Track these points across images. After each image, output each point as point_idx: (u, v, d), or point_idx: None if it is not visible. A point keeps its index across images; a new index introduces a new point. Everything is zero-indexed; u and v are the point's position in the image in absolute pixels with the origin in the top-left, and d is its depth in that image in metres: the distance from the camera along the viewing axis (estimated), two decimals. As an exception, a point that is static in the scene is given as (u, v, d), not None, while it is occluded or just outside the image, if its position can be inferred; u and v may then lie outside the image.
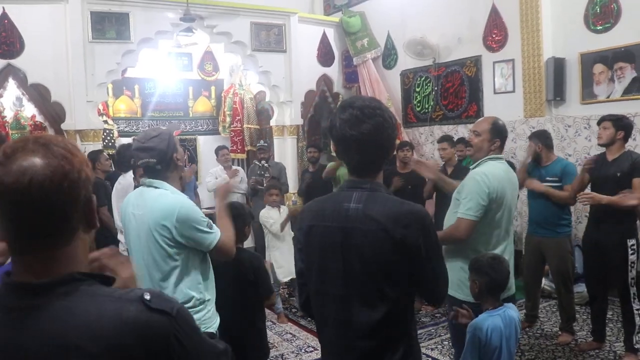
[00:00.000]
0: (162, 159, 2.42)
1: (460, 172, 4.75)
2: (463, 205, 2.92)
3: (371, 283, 1.71)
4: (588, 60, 5.58)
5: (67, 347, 0.95)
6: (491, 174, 2.92)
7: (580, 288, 5.03)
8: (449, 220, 3.07)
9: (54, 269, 1.00)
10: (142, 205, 2.45)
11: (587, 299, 4.72)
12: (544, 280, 5.10)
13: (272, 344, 4.69)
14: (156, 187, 2.44)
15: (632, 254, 4.00)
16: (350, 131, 1.71)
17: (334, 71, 8.36)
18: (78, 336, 0.95)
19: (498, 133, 3.02)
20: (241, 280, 2.78)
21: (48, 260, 1.00)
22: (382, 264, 1.69)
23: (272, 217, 5.40)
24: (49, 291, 0.98)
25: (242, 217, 3.14)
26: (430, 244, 1.71)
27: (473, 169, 3.06)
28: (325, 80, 8.25)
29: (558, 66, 5.72)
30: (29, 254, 1.00)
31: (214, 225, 2.45)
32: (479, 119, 3.27)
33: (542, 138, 4.62)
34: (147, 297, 1.00)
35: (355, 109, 1.72)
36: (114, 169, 5.81)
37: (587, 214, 4.48)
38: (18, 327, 0.97)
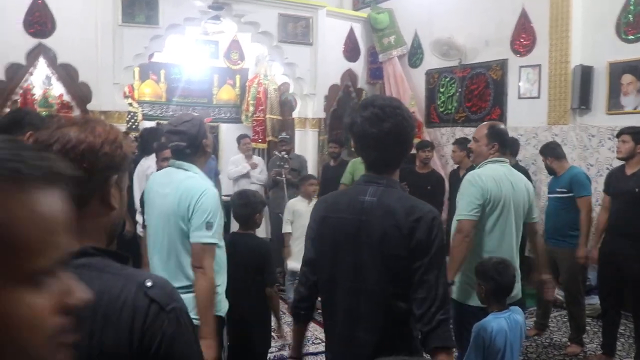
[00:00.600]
0: (192, 143, 2.48)
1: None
2: (459, 208, 2.96)
3: (380, 277, 1.74)
4: (617, 70, 5.49)
5: None
6: (485, 174, 2.97)
7: (593, 300, 4.98)
8: (454, 226, 3.10)
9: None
10: (168, 184, 2.50)
11: (599, 311, 4.67)
12: (556, 290, 5.06)
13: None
14: (186, 170, 2.49)
15: (647, 269, 3.95)
16: (371, 129, 1.76)
17: (359, 67, 8.35)
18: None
19: (495, 136, 3.06)
20: (250, 267, 2.82)
21: None
22: (391, 259, 1.72)
23: (297, 209, 5.33)
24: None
25: (253, 205, 3.17)
26: (436, 243, 1.71)
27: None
28: (350, 75, 8.24)
29: (585, 74, 5.63)
30: None
31: (213, 229, 2.41)
32: (479, 126, 3.29)
33: (549, 151, 4.61)
34: (149, 283, 1.02)
35: (376, 107, 1.77)
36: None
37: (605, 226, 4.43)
38: None
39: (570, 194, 4.39)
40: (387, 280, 1.73)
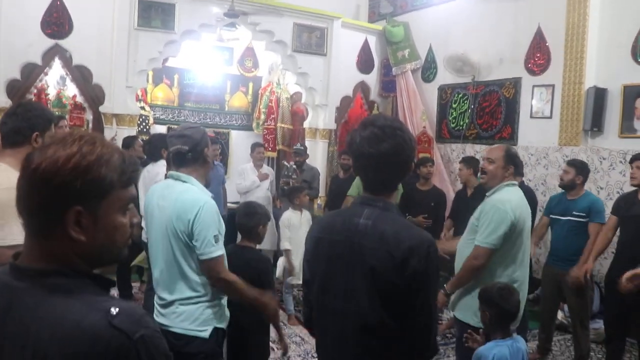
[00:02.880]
0: (194, 148, 2.47)
1: (480, 193, 4.70)
2: (482, 233, 2.94)
3: (370, 301, 1.71)
4: (631, 93, 5.44)
5: (28, 338, 0.97)
6: (514, 201, 2.97)
7: (597, 324, 4.91)
8: (462, 248, 3.07)
9: (40, 257, 1.02)
10: (167, 197, 2.48)
11: (603, 337, 4.60)
12: (560, 314, 5.00)
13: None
14: (184, 182, 2.48)
15: (655, 297, 3.88)
16: (369, 149, 1.72)
17: (372, 79, 8.35)
18: (39, 331, 0.97)
19: (512, 160, 3.08)
20: (247, 281, 2.79)
21: (33, 247, 1.04)
22: (382, 284, 1.68)
23: (292, 222, 5.34)
24: (33, 278, 1.01)
25: (257, 217, 3.13)
26: (430, 273, 1.68)
27: (489, 195, 3.08)
28: (362, 87, 8.25)
29: (599, 96, 5.59)
30: (28, 235, 1.05)
31: (220, 241, 2.45)
32: (492, 147, 3.31)
33: (585, 171, 4.49)
34: (114, 311, 0.97)
35: (376, 127, 1.73)
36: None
37: (614, 251, 4.37)
38: (6, 306, 1.01)
39: (586, 219, 4.33)
40: (378, 304, 1.70)
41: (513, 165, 3.07)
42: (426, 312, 1.69)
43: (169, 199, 2.47)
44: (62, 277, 1.01)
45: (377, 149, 1.71)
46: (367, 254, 1.70)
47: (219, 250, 2.42)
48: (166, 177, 4.48)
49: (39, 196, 1.00)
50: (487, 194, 3.14)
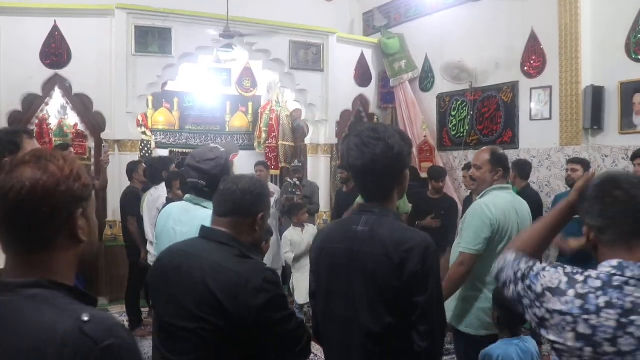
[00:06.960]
0: (212, 183, 2.31)
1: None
2: (465, 239, 2.87)
3: (372, 307, 1.70)
4: (628, 90, 5.44)
5: (1, 345, 0.99)
6: (493, 204, 2.86)
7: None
8: (454, 253, 3.03)
9: (27, 272, 1.05)
10: (187, 223, 2.38)
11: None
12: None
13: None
14: (205, 207, 2.38)
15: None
16: (355, 161, 1.76)
17: (371, 92, 8.38)
18: (11, 337, 0.98)
19: (499, 162, 2.97)
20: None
21: (22, 263, 1.06)
22: (383, 289, 1.68)
23: (294, 239, 5.37)
24: (12, 291, 1.03)
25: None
26: (430, 273, 1.66)
27: (477, 199, 3.04)
28: (361, 100, 8.28)
29: (596, 94, 5.59)
30: (8, 254, 1.07)
31: None
32: (477, 151, 3.21)
33: (589, 167, 4.52)
34: (85, 318, 0.98)
35: (356, 137, 1.78)
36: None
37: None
38: None
39: None
40: (380, 311, 1.69)
41: (501, 168, 2.96)
42: (428, 315, 1.66)
43: (190, 224, 2.34)
44: (40, 288, 1.03)
45: (354, 159, 1.76)
46: (366, 260, 1.71)
47: None
48: (168, 199, 4.52)
49: (43, 210, 1.03)
50: (476, 198, 3.09)
